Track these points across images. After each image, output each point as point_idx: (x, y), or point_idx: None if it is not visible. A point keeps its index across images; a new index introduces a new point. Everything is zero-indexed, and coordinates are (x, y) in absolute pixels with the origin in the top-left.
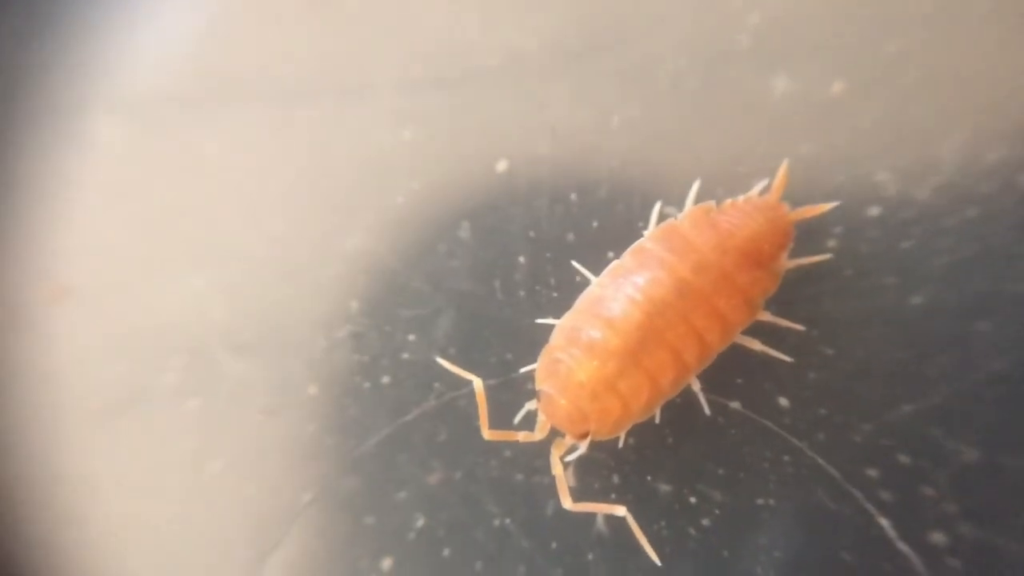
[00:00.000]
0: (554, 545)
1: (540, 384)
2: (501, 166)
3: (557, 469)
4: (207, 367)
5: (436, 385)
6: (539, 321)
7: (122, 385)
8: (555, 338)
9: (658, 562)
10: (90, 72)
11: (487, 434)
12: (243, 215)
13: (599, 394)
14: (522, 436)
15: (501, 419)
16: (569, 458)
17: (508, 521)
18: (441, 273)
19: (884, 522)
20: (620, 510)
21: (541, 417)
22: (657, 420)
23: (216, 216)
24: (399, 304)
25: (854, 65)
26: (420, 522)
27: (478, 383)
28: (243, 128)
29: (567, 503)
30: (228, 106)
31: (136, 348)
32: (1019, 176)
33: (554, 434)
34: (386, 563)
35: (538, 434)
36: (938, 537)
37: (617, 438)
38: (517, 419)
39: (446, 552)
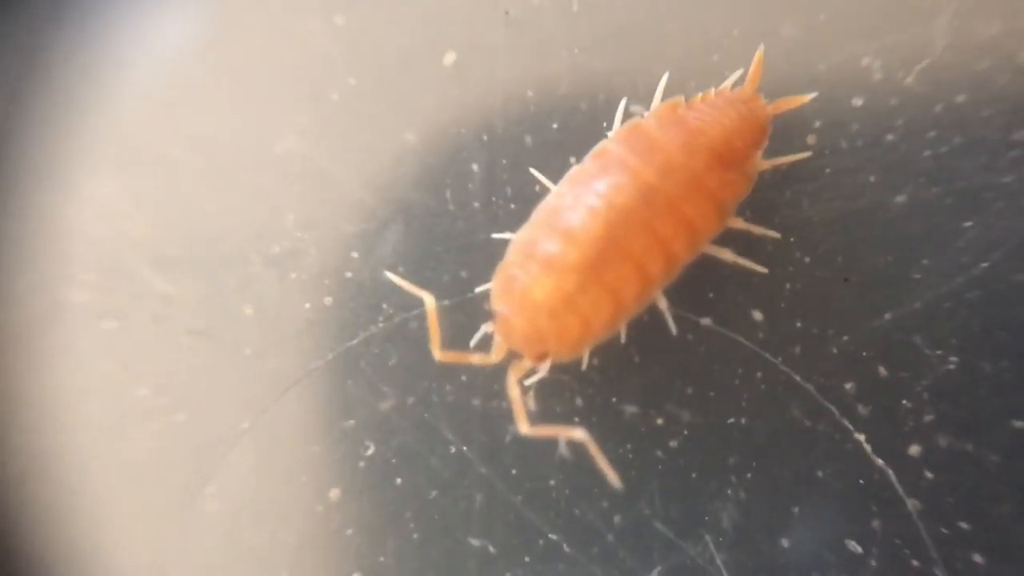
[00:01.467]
0: (514, 471)
1: (495, 304)
2: (449, 58)
3: (513, 392)
4: (125, 284)
5: (384, 306)
6: (495, 236)
7: (29, 303)
8: (510, 254)
9: (619, 485)
10: None
11: (439, 355)
12: (157, 113)
13: (558, 312)
14: (476, 358)
15: (456, 342)
16: (528, 381)
17: (465, 448)
18: (386, 182)
19: (860, 437)
20: (579, 433)
21: (496, 339)
22: (623, 339)
23: (127, 114)
24: (340, 217)
25: None
26: (371, 450)
27: (430, 300)
28: (153, 12)
29: (524, 428)
30: None
31: (43, 262)
32: (1014, 53)
33: (511, 356)
34: (334, 493)
35: (493, 356)
36: (914, 449)
37: (580, 359)
38: (473, 342)
39: (399, 481)
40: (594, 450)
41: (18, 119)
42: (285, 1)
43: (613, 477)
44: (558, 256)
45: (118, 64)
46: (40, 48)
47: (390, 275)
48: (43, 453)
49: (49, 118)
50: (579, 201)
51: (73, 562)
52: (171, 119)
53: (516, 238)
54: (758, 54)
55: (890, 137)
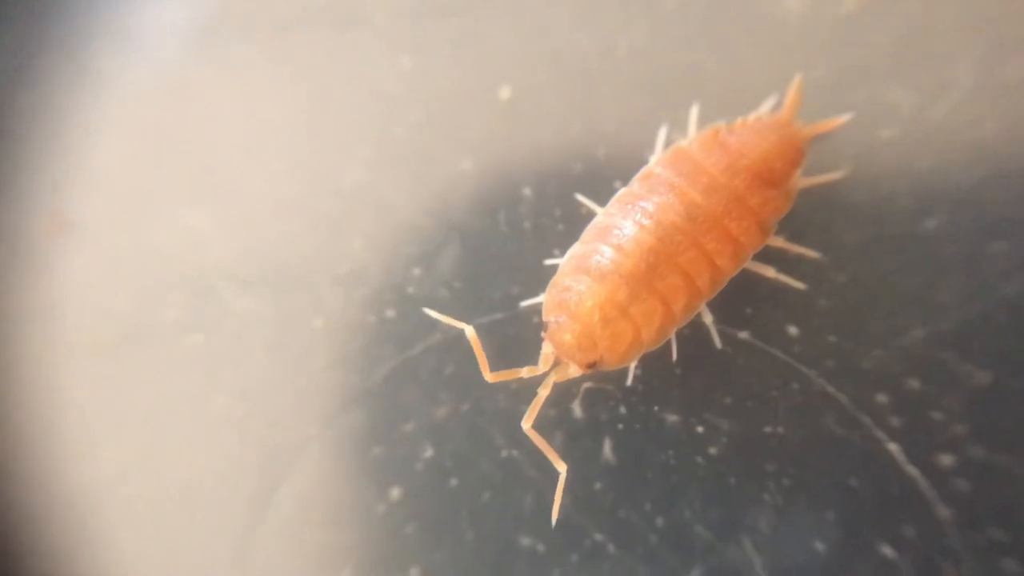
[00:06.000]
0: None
1: (548, 314)
2: (504, 94)
3: (544, 390)
4: (209, 302)
5: None
6: (548, 262)
7: (124, 320)
8: (563, 267)
9: (561, 469)
10: (91, 5)
11: (489, 378)
12: (241, 149)
13: (611, 320)
14: (525, 371)
15: (509, 352)
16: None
17: (515, 452)
18: (444, 207)
19: (893, 447)
20: (562, 467)
21: (546, 348)
22: (674, 358)
23: (215, 150)
24: (402, 239)
25: None
26: (428, 453)
27: (470, 331)
28: (239, 60)
29: (527, 424)
30: (225, 38)
31: (138, 283)
32: None
33: (556, 362)
34: (395, 492)
35: (541, 366)
36: (946, 459)
37: (625, 371)
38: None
39: (454, 482)
40: (560, 487)
41: (119, 157)
42: (356, 46)
43: (557, 504)
44: (611, 266)
45: (208, 109)
46: (139, 94)
47: (428, 311)
48: (134, 456)
49: (145, 156)
50: (628, 219)
51: (156, 556)
52: (252, 156)
53: (568, 254)
54: (797, 80)
55: (921, 165)
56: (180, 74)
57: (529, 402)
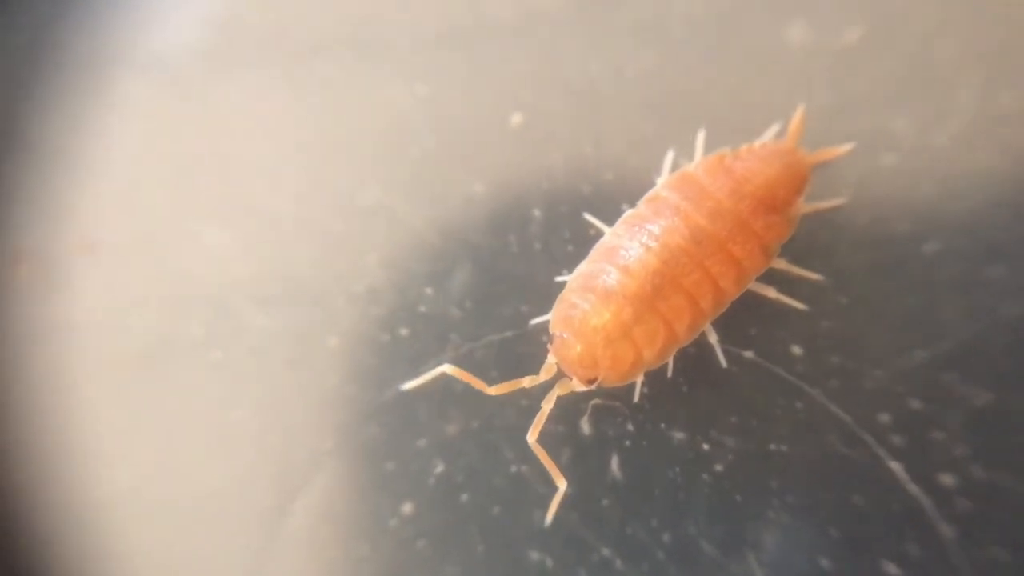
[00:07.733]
0: (570, 491)
1: (554, 328)
2: (516, 119)
3: (548, 404)
4: (230, 320)
5: (453, 337)
6: (559, 279)
7: (148, 336)
8: (570, 285)
9: (561, 485)
10: (115, 28)
11: (491, 391)
12: (262, 171)
13: (613, 340)
14: (527, 381)
15: (519, 370)
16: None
17: (525, 468)
18: (456, 227)
19: (895, 465)
20: (562, 482)
21: (549, 360)
22: (669, 374)
23: (236, 172)
24: (415, 258)
25: (871, 9)
26: (439, 468)
27: (449, 368)
28: (262, 85)
29: (531, 438)
30: (248, 63)
31: (161, 301)
32: None
33: (559, 376)
34: (407, 507)
35: (543, 376)
36: (948, 479)
37: (632, 388)
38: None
39: (464, 497)
40: (557, 500)
41: (141, 178)
42: (374, 73)
43: (551, 513)
44: (617, 287)
45: (229, 132)
46: (163, 117)
47: (407, 386)
48: (153, 469)
49: (167, 177)
50: (635, 241)
51: (173, 568)
52: (271, 177)
53: (576, 272)
54: (800, 109)
55: (920, 192)
56: (202, 97)
57: None
